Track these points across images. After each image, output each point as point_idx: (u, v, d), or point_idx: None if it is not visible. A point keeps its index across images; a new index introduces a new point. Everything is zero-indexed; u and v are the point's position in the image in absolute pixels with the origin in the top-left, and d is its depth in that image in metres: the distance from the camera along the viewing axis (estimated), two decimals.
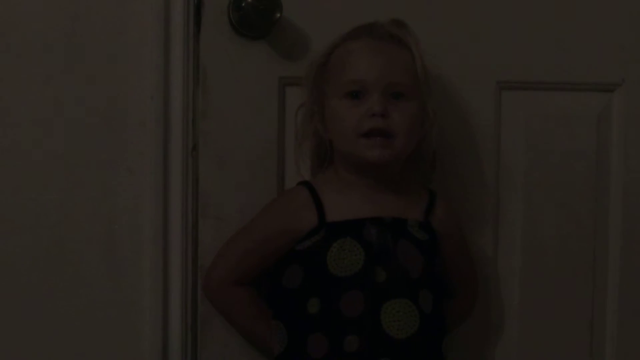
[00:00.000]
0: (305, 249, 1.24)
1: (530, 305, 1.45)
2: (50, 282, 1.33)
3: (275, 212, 1.29)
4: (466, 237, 1.39)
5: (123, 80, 1.33)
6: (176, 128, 1.33)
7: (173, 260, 1.34)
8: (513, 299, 1.45)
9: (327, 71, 1.27)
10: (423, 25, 1.32)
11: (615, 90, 1.45)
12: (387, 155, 1.23)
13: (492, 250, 1.43)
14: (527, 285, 1.45)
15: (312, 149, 1.32)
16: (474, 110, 1.41)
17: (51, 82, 1.31)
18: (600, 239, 1.46)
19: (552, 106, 1.44)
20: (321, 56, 1.29)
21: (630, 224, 1.46)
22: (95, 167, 1.33)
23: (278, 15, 1.30)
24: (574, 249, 1.45)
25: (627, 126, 1.45)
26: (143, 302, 1.34)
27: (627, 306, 1.47)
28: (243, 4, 1.30)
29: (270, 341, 1.27)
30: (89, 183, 1.33)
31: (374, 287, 1.21)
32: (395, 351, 1.20)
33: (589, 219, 1.45)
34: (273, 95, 1.35)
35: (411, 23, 1.29)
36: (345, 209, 1.25)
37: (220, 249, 1.32)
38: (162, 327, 1.34)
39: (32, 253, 1.32)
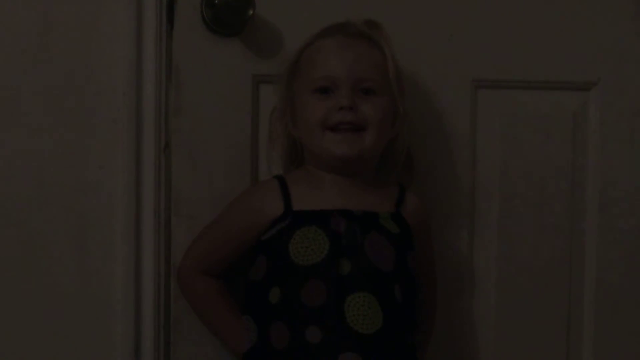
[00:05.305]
0: (269, 238, 1.24)
1: (506, 306, 1.45)
2: (19, 281, 1.32)
3: (242, 201, 1.29)
4: (441, 237, 1.39)
5: (95, 77, 1.32)
6: (148, 125, 1.33)
7: (145, 259, 1.33)
8: (489, 300, 1.44)
9: (298, 69, 1.27)
10: (398, 24, 1.32)
11: (591, 89, 1.45)
12: (356, 151, 1.22)
13: (467, 250, 1.43)
14: (503, 286, 1.44)
15: (284, 149, 1.32)
16: (450, 109, 1.41)
17: (22, 78, 1.30)
18: (577, 237, 1.46)
19: (528, 105, 1.44)
20: (293, 54, 1.29)
21: (607, 223, 1.46)
22: (67, 163, 1.32)
23: (251, 12, 1.30)
24: (550, 248, 1.45)
25: (602, 125, 1.45)
26: (115, 301, 1.33)
27: (604, 307, 1.47)
28: (216, 1, 1.30)
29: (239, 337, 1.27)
30: (59, 180, 1.32)
31: (337, 279, 1.20)
32: (361, 346, 1.18)
33: (565, 218, 1.45)
34: (246, 93, 1.34)
35: (386, 21, 1.30)
36: (314, 200, 1.24)
37: (192, 239, 1.31)
38: (134, 325, 1.33)
39: (1, 251, 1.31)
